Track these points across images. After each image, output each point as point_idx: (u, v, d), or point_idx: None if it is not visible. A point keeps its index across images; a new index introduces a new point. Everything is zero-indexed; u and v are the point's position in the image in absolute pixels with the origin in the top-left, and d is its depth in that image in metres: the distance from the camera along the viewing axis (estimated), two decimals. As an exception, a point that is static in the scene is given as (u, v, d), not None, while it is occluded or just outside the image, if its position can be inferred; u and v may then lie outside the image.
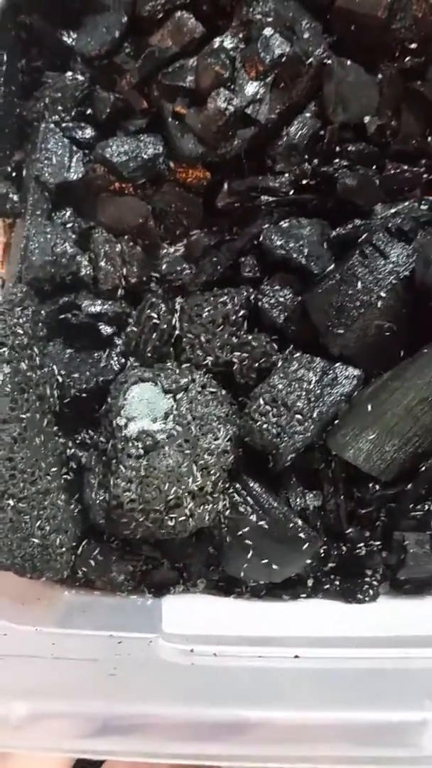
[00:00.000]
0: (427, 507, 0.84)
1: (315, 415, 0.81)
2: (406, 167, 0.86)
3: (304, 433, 0.81)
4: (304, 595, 0.85)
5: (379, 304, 0.81)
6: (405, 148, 0.86)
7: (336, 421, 0.82)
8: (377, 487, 0.83)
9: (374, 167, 0.86)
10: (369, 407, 0.81)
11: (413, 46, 0.84)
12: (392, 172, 0.86)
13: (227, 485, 0.81)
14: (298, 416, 0.81)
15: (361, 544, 0.84)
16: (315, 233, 0.84)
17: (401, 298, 0.81)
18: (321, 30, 0.84)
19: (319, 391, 0.81)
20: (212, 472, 0.79)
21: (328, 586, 0.85)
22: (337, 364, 0.82)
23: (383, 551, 0.85)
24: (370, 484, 0.83)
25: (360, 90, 0.84)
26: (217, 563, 0.83)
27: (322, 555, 0.85)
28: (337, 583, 0.85)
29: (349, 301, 0.81)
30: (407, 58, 0.85)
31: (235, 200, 0.84)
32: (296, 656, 0.77)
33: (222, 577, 0.84)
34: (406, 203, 0.86)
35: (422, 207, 0.86)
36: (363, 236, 0.83)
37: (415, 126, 0.86)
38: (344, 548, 0.85)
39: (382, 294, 0.81)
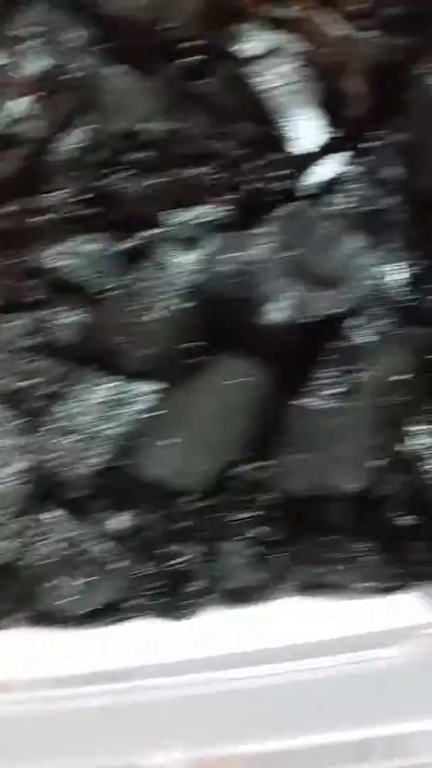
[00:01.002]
0: (244, 515, 0.82)
1: (112, 434, 0.79)
2: (193, 171, 0.84)
3: (101, 455, 0.79)
4: (125, 619, 0.83)
5: (167, 315, 0.79)
6: (190, 152, 0.84)
7: (138, 438, 0.80)
8: (191, 499, 0.81)
9: (160, 174, 0.84)
10: (170, 420, 0.79)
11: (187, 45, 0.83)
12: (179, 177, 0.84)
13: (26, 515, 0.79)
14: (94, 438, 0.79)
15: (180, 559, 0.83)
16: (99, 250, 0.82)
17: (189, 308, 0.80)
18: (89, 39, 0.82)
19: (114, 411, 0.80)
20: (6, 504, 0.77)
21: (149, 605, 0.83)
22: (132, 381, 0.80)
23: (204, 564, 0.83)
24: (183, 497, 0.81)
25: (134, 96, 0.83)
26: (23, 598, 0.81)
27: (140, 574, 0.83)
28: (158, 601, 0.83)
29: (137, 315, 0.80)
30: (183, 58, 0.83)
31: (10, 223, 0.82)
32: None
33: (32, 613, 0.82)
34: (196, 208, 0.84)
35: (211, 211, 0.84)
36: (150, 247, 0.82)
37: (199, 127, 0.84)
38: (163, 565, 0.83)
39: (168, 306, 0.79)
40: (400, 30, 0.82)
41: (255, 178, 0.81)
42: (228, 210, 0.82)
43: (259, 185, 0.81)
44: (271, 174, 0.80)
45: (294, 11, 0.82)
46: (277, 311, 0.72)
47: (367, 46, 0.80)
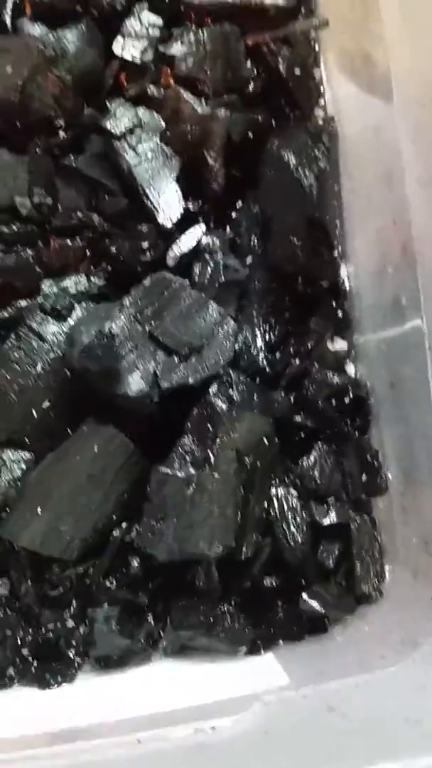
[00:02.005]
0: (115, 581, 0.83)
1: (-18, 504, 0.80)
2: (69, 242, 0.86)
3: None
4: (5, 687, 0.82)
5: (40, 384, 0.81)
6: (66, 224, 0.86)
7: (7, 508, 0.80)
8: (65, 566, 0.81)
9: (37, 245, 0.86)
10: (38, 489, 0.79)
11: (60, 122, 0.86)
12: (55, 248, 0.86)
13: None
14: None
15: (55, 626, 0.83)
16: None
17: (60, 376, 0.81)
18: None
19: (-16, 480, 0.80)
20: None
21: (28, 673, 0.83)
22: (5, 449, 0.81)
23: (78, 630, 0.83)
24: (57, 565, 0.81)
25: (7, 172, 0.85)
26: None
27: (18, 642, 0.83)
28: (34, 668, 0.83)
29: (8, 385, 0.81)
30: (56, 135, 0.86)
31: None
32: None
33: None
34: (71, 278, 0.86)
35: (86, 281, 0.86)
36: (22, 317, 0.83)
37: (74, 200, 0.86)
38: (40, 632, 0.83)
39: (41, 375, 0.81)
40: (254, 108, 0.87)
41: (123, 249, 0.83)
42: (98, 280, 0.84)
43: (126, 256, 0.83)
44: (138, 245, 0.83)
45: (157, 90, 0.86)
46: (138, 383, 0.74)
47: (225, 123, 0.84)
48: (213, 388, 0.77)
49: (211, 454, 0.75)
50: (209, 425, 0.76)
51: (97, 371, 0.74)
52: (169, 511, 0.75)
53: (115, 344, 0.74)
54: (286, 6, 0.88)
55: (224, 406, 0.77)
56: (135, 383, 0.73)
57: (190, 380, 0.75)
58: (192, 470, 0.75)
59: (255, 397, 0.78)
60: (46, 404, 0.81)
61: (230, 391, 0.77)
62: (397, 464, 0.80)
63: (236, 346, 0.79)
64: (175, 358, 0.75)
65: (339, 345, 0.87)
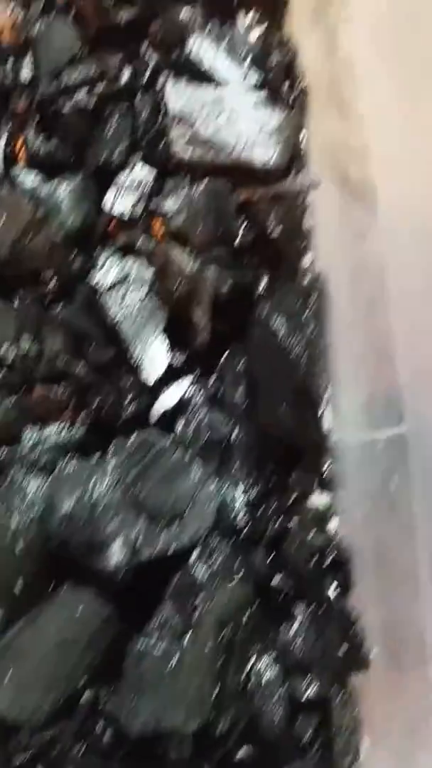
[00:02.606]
0: (82, 750, 0.80)
1: None
2: (52, 391, 0.85)
3: None
4: None
5: (17, 550, 0.79)
6: (51, 371, 0.86)
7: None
8: (30, 732, 0.78)
9: (22, 391, 0.85)
10: (7, 655, 0.77)
11: (49, 273, 0.86)
12: (38, 396, 0.85)
13: None
14: None
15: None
16: None
17: (38, 538, 0.79)
18: None
19: None
20: None
21: None
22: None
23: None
24: (22, 731, 0.78)
25: (-4, 320, 0.85)
26: None
27: None
28: None
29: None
30: (46, 285, 0.87)
31: None
32: None
33: None
34: (53, 426, 0.85)
35: (68, 430, 0.85)
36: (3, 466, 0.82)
37: (60, 349, 0.86)
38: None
39: (17, 532, 0.79)
40: (243, 263, 0.88)
41: (106, 401, 0.83)
42: (79, 430, 0.84)
43: (109, 409, 0.83)
44: (122, 398, 0.83)
45: (146, 242, 0.87)
46: (118, 554, 0.72)
47: (214, 281, 0.85)
48: (194, 555, 0.76)
49: (191, 625, 0.73)
50: (189, 594, 0.75)
51: (77, 542, 0.73)
52: (146, 687, 0.73)
53: (96, 513, 0.73)
54: (275, 166, 0.90)
55: (205, 574, 0.76)
56: (115, 555, 0.72)
57: (172, 550, 0.74)
58: (171, 643, 0.73)
59: (236, 562, 0.77)
60: (16, 566, 0.79)
61: (211, 557, 0.76)
62: (380, 634, 0.78)
63: (219, 511, 0.78)
64: (157, 526, 0.74)
65: (322, 500, 0.86)
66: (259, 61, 0.92)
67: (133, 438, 0.78)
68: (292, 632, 0.78)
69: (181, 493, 0.77)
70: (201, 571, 0.76)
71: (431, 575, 0.79)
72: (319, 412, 0.83)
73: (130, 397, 0.83)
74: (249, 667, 0.76)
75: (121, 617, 0.76)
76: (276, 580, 0.80)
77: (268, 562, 0.81)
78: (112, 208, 0.87)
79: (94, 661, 0.76)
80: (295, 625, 0.78)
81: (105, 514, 0.73)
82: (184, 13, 0.94)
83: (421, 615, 0.76)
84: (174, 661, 0.73)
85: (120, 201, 0.87)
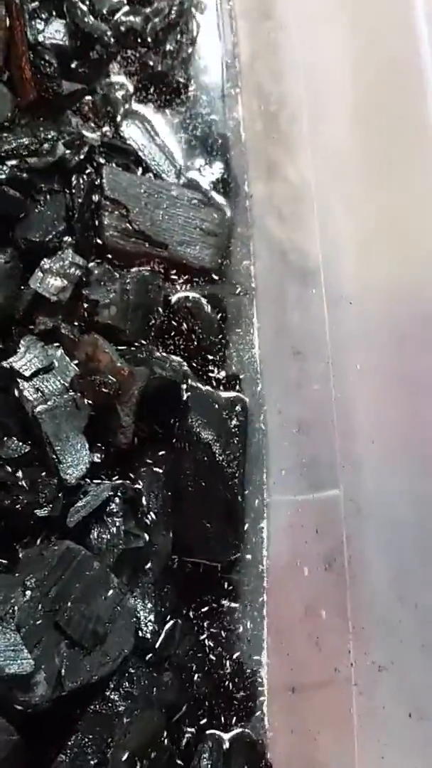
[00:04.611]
0: None
1: None
2: None
3: None
4: None
5: None
6: None
7: None
8: None
9: None
10: None
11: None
12: None
13: None
14: None
15: None
16: None
17: None
18: None
19: None
20: None
21: None
22: None
23: None
24: None
25: None
26: None
27: None
28: None
29: None
30: None
31: None
32: None
33: None
34: None
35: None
36: None
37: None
38: None
39: None
40: (169, 363, 0.85)
41: (19, 501, 0.76)
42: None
43: (23, 509, 0.76)
44: (36, 499, 0.76)
45: (72, 331, 0.82)
46: (43, 686, 0.65)
47: (144, 379, 0.81)
48: (112, 683, 0.71)
49: (105, 761, 0.68)
50: (105, 725, 0.69)
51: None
52: None
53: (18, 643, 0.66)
54: (208, 267, 0.89)
55: (122, 704, 0.70)
56: (40, 687, 0.65)
57: (95, 678, 0.68)
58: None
59: (151, 689, 0.73)
60: None
61: (126, 684, 0.71)
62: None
63: (137, 633, 0.74)
64: (80, 653, 0.68)
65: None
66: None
67: (56, 548, 0.72)
68: (202, 764, 0.75)
69: (101, 612, 0.72)
70: (118, 700, 0.71)
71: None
72: (241, 530, 0.81)
73: (44, 498, 0.77)
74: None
75: (27, 742, 0.68)
76: (183, 705, 0.77)
77: (176, 684, 0.77)
78: (37, 289, 0.81)
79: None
80: (205, 759, 0.75)
81: (28, 642, 0.66)
82: (121, 92, 0.91)
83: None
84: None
85: (45, 284, 0.81)
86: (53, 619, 0.68)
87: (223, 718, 0.78)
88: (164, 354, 0.86)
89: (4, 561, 0.76)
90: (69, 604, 0.70)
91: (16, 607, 0.66)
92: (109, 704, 0.70)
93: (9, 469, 0.77)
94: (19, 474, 0.77)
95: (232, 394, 0.87)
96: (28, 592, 0.68)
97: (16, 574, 0.71)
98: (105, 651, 0.70)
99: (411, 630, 0.70)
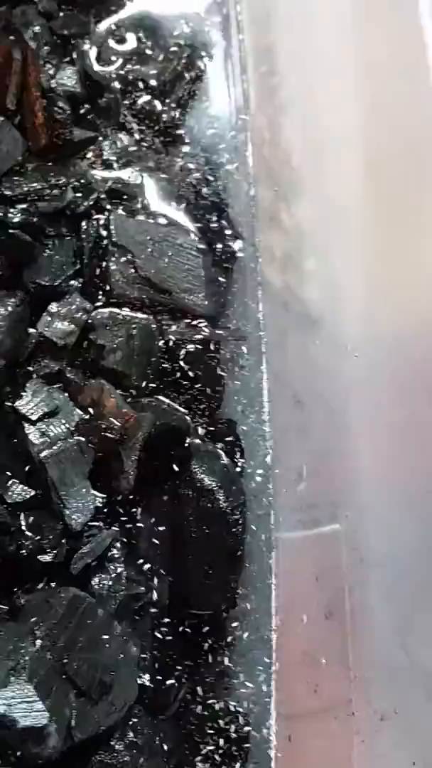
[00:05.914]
0: None
1: None
2: None
3: None
4: None
5: None
6: None
7: None
8: None
9: None
10: None
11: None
12: None
13: None
14: None
15: None
16: None
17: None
18: None
19: None
20: None
21: None
22: None
23: None
24: None
25: None
26: None
27: None
28: None
29: None
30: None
31: None
32: None
33: None
34: None
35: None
36: None
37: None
38: None
39: None
40: (172, 409, 0.86)
41: (24, 546, 0.76)
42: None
43: (27, 553, 0.76)
44: (40, 545, 0.76)
45: (78, 375, 0.82)
46: (54, 738, 0.65)
47: (149, 426, 0.81)
48: (116, 733, 0.70)
49: None
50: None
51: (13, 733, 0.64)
52: None
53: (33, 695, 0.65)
54: (211, 314, 0.90)
55: (126, 754, 0.70)
56: (52, 739, 0.64)
57: (102, 729, 0.68)
58: None
59: (153, 737, 0.72)
60: None
61: (131, 734, 0.71)
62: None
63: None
64: (88, 703, 0.68)
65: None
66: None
67: (62, 595, 0.72)
68: None
69: (106, 661, 0.71)
70: (121, 749, 0.70)
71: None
72: (243, 577, 0.82)
73: (48, 543, 0.76)
74: None
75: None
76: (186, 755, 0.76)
77: (174, 730, 0.77)
78: (43, 333, 0.82)
79: None
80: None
81: (40, 692, 0.65)
82: (128, 138, 0.93)
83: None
84: None
85: (54, 328, 0.82)
86: (63, 669, 0.68)
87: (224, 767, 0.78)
88: (168, 400, 0.86)
89: (4, 607, 0.75)
90: (76, 651, 0.69)
91: (27, 657, 0.66)
92: (114, 754, 0.70)
93: (13, 512, 0.77)
94: (23, 518, 0.77)
95: (232, 439, 0.88)
96: (38, 642, 0.68)
97: (21, 622, 0.71)
98: (111, 701, 0.69)
99: (414, 678, 0.72)
